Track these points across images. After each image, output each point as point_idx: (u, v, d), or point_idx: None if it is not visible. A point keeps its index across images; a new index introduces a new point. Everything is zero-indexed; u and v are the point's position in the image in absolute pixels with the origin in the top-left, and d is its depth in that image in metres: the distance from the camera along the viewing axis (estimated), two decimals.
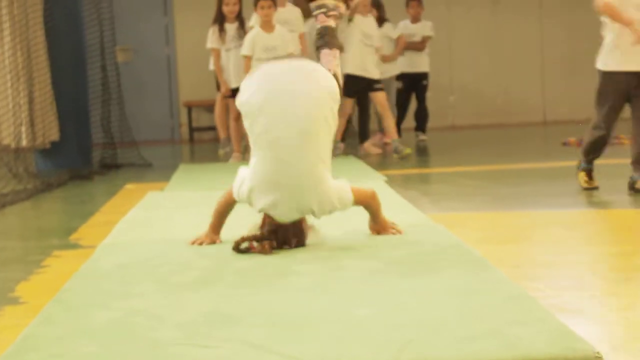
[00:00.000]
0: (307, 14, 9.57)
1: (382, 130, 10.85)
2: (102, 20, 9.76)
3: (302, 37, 9.38)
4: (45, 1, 8.93)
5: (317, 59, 4.29)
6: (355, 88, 9.63)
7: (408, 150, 9.43)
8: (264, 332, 2.71)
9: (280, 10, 9.23)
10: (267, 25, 8.91)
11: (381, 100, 9.73)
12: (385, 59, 10.48)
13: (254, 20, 9.45)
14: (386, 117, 9.78)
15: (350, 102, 9.87)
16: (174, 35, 14.33)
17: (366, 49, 9.73)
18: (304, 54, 9.30)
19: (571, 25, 14.51)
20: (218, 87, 9.87)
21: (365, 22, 9.83)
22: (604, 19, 6.16)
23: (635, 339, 2.65)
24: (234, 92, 9.52)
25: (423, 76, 11.16)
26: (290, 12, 9.41)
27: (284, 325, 2.78)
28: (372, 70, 9.71)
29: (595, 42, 15.68)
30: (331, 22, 4.32)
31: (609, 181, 6.52)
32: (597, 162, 6.22)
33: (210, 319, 2.90)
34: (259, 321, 2.84)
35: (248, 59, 8.99)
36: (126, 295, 3.28)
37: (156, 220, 5.31)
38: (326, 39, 4.30)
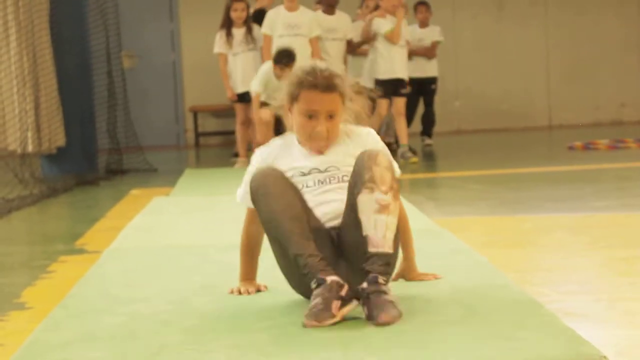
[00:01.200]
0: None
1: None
2: (107, 26, 9.78)
3: (314, 41, 9.27)
4: (51, 7, 8.95)
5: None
6: (388, 91, 9.46)
7: (415, 159, 9.41)
8: (270, 338, 2.71)
9: (289, 14, 9.18)
10: (291, 5, 9.00)
11: (400, 107, 9.60)
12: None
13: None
14: (399, 122, 9.68)
15: (385, 103, 9.55)
16: (179, 41, 14.35)
17: (397, 49, 9.59)
18: (315, 58, 9.28)
19: (576, 31, 14.51)
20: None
21: None
22: None
23: None
24: (240, 97, 9.56)
25: (432, 80, 11.14)
26: (301, 16, 9.26)
27: (289, 331, 2.78)
28: (400, 71, 9.54)
29: (599, 47, 15.65)
30: None
31: (614, 185, 6.52)
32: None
33: (215, 324, 2.90)
34: (265, 327, 2.85)
35: (268, 38, 9.03)
36: (132, 301, 3.28)
37: (161, 226, 5.31)
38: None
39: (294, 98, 3.19)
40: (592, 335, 2.63)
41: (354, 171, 3.05)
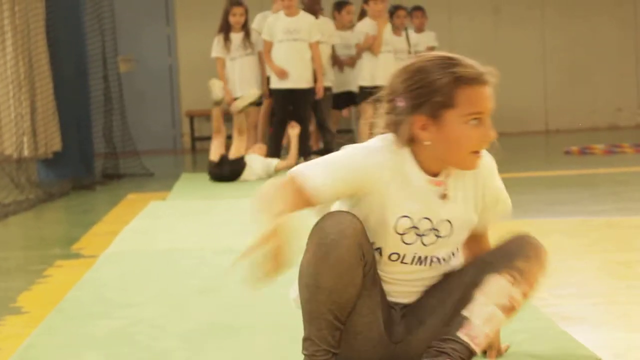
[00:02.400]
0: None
1: None
2: (104, 31, 9.78)
3: (314, 46, 9.29)
4: (47, 11, 8.95)
5: None
6: (367, 97, 9.48)
7: None
8: (266, 342, 2.71)
9: (288, 19, 9.20)
10: (291, 11, 9.09)
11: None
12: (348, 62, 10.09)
13: (256, 23, 9.54)
14: None
15: (371, 109, 9.60)
16: (175, 45, 14.35)
17: (382, 56, 9.59)
18: (315, 62, 9.27)
19: (573, 35, 14.52)
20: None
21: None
22: None
23: (638, 346, 2.64)
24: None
25: None
26: (300, 21, 9.27)
27: (286, 335, 2.78)
28: (383, 78, 9.39)
29: (596, 51, 15.65)
30: None
31: (611, 189, 6.52)
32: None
33: (212, 329, 2.89)
34: (261, 331, 2.84)
35: (268, 44, 9.12)
36: (128, 305, 3.28)
37: (158, 230, 5.31)
38: None
39: (443, 105, 2.29)
40: (589, 339, 2.63)
41: (501, 247, 2.38)
